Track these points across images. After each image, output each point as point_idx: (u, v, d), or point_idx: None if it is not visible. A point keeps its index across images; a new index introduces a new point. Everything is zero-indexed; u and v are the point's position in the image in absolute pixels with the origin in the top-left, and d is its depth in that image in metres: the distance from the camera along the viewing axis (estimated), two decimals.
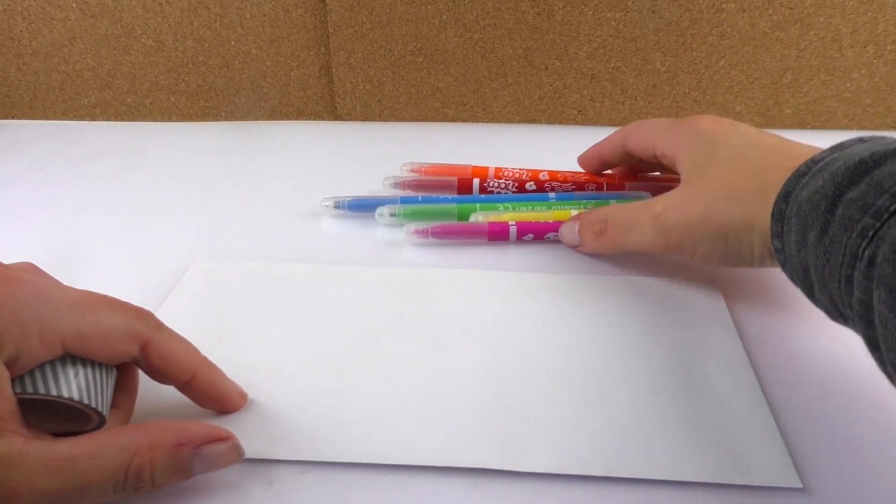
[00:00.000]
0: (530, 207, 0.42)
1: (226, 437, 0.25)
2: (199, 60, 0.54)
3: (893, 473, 0.26)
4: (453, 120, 0.56)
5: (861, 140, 0.25)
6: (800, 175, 0.25)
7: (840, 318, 0.25)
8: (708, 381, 0.30)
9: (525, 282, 0.37)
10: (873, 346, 0.21)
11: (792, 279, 0.27)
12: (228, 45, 0.54)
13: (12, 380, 0.23)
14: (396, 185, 0.44)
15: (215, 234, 0.42)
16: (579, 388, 0.30)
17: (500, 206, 0.42)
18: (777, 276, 0.37)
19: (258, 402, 0.29)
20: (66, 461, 0.22)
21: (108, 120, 0.58)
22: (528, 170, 0.45)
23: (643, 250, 0.34)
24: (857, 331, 0.22)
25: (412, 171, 0.47)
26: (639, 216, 0.34)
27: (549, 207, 0.42)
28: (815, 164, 0.25)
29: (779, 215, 0.26)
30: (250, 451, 0.27)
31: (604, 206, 0.39)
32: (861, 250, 0.21)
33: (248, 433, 0.28)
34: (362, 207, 0.43)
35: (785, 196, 0.25)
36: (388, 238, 0.41)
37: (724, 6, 0.50)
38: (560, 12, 0.51)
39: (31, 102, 0.57)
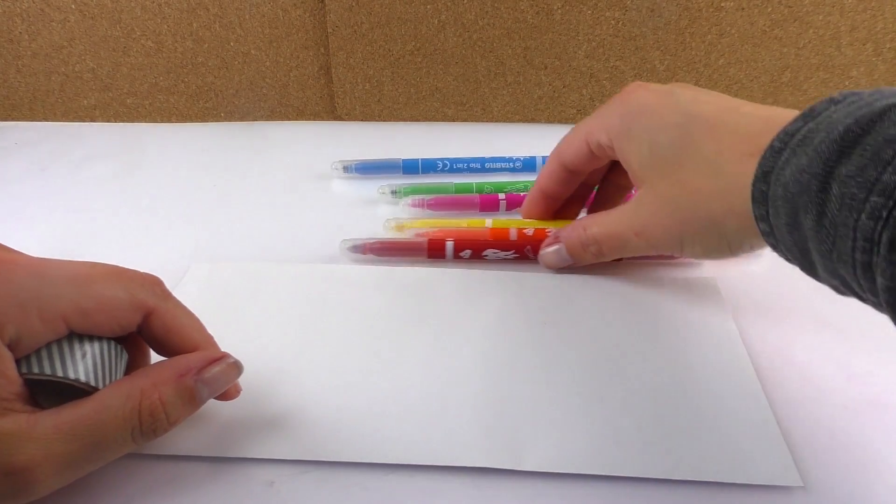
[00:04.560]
0: (523, 187, 0.45)
1: (221, 357, 0.26)
2: (199, 61, 0.54)
3: (894, 472, 0.26)
4: (453, 119, 0.56)
5: (833, 101, 0.23)
6: (776, 151, 0.23)
7: (854, 296, 0.23)
8: (708, 380, 0.30)
9: (525, 281, 0.37)
10: None
11: (787, 259, 0.25)
12: (227, 45, 0.54)
13: (19, 361, 0.23)
14: (356, 248, 0.39)
15: (215, 234, 0.42)
16: (579, 387, 0.30)
17: (487, 185, 0.46)
18: (777, 274, 0.37)
19: (259, 401, 0.29)
20: (74, 422, 0.22)
21: (108, 121, 0.58)
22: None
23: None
24: (885, 313, 0.21)
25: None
26: (625, 234, 0.32)
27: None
28: (791, 136, 0.23)
29: (760, 197, 0.24)
30: (251, 451, 0.27)
31: (578, 221, 0.35)
32: (877, 234, 0.19)
33: (248, 433, 0.28)
34: (369, 170, 0.48)
35: (763, 177, 0.23)
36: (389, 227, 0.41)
37: (722, 4, 0.50)
38: (559, 11, 0.51)
39: (31, 104, 0.57)
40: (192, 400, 0.25)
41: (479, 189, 0.45)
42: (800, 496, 0.25)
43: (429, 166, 0.48)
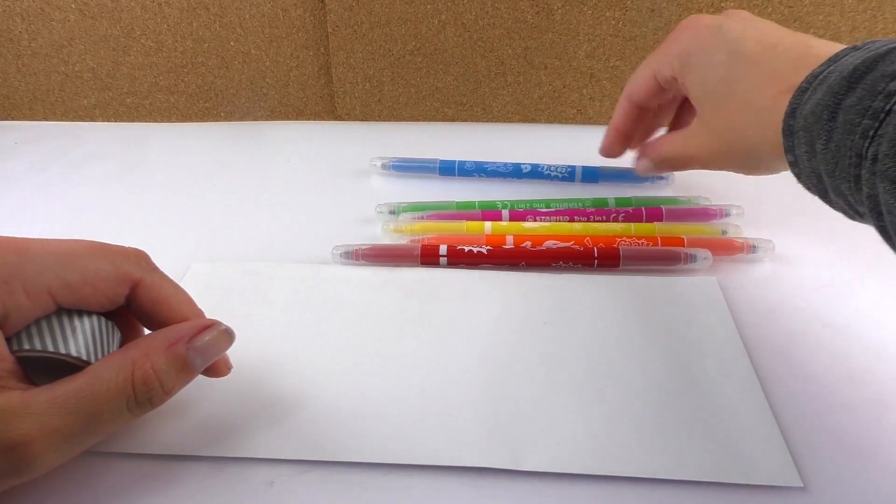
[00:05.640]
0: (528, 205, 0.43)
1: (212, 325, 0.26)
2: (199, 61, 0.54)
3: (894, 472, 0.26)
4: (453, 119, 0.56)
5: (855, 48, 0.26)
6: (802, 91, 0.27)
7: (857, 216, 0.26)
8: (708, 380, 0.30)
9: (525, 281, 0.37)
10: (885, 235, 0.23)
11: (807, 188, 0.28)
12: (228, 45, 0.54)
13: (9, 338, 0.23)
14: (347, 255, 0.38)
15: (215, 234, 0.42)
16: (579, 387, 0.30)
17: (499, 203, 0.43)
18: (777, 274, 0.37)
19: (259, 401, 0.29)
20: (69, 396, 0.22)
21: (108, 121, 0.58)
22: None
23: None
24: (870, 224, 0.24)
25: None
26: (683, 157, 0.38)
27: (548, 205, 0.43)
28: (815, 78, 0.26)
29: (788, 131, 0.27)
30: (251, 451, 0.27)
31: (655, 140, 0.40)
32: (864, 150, 0.23)
33: (248, 433, 0.28)
34: (406, 168, 0.48)
35: (792, 112, 0.27)
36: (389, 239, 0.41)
37: (722, 5, 0.50)
38: (559, 11, 0.51)
39: (31, 104, 0.57)
40: (186, 368, 0.25)
41: (482, 206, 0.43)
42: (800, 496, 0.25)
43: (464, 171, 0.48)
